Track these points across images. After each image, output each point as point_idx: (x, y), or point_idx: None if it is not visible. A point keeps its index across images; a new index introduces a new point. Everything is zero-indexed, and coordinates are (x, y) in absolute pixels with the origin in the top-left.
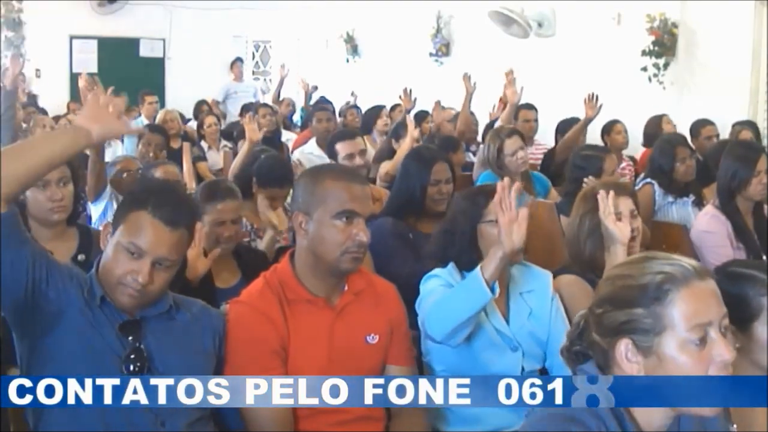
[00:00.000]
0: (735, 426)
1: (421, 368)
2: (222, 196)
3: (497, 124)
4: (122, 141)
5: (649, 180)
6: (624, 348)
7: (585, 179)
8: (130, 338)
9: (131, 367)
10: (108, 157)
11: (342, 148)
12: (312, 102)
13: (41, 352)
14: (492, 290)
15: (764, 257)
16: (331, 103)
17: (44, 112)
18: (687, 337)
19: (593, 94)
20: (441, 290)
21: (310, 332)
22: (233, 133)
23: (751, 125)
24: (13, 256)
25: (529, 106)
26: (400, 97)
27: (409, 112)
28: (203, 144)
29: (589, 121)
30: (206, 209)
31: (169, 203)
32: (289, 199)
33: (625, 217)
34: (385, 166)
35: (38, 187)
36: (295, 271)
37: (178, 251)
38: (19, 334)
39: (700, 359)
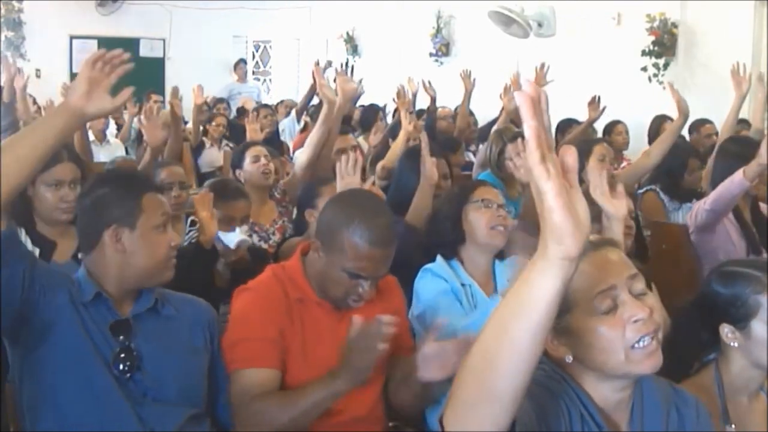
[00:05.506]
0: (733, 426)
1: None
2: (232, 195)
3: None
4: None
5: (652, 186)
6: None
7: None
8: (121, 338)
9: (120, 367)
10: (106, 157)
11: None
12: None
13: (33, 360)
14: None
15: (764, 253)
16: None
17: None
18: (595, 306)
19: (596, 96)
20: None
21: (315, 331)
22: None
23: (748, 124)
24: (9, 273)
25: None
26: (393, 99)
27: (412, 113)
28: (205, 140)
29: (591, 122)
30: (215, 205)
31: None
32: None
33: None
34: (381, 163)
35: (51, 186)
36: (305, 272)
37: None
38: (12, 344)
39: (615, 324)
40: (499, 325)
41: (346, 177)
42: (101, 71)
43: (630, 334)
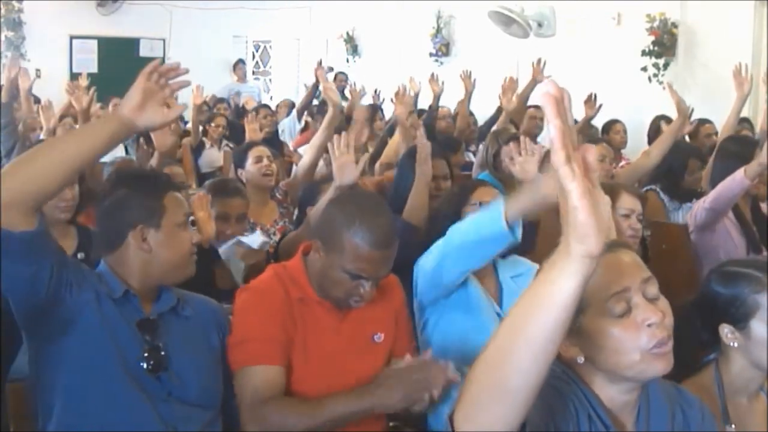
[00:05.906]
0: (733, 426)
1: None
2: (229, 192)
3: (493, 129)
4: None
5: (652, 186)
6: None
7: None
8: (147, 337)
9: (145, 365)
10: (106, 157)
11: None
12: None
13: (52, 354)
14: (514, 232)
15: (765, 251)
16: None
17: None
18: (608, 308)
19: (592, 94)
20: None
21: (316, 330)
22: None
23: (748, 123)
24: (36, 269)
25: (537, 106)
26: (391, 100)
27: (413, 112)
28: (205, 141)
29: (588, 120)
30: (212, 203)
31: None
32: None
33: (633, 215)
34: (379, 160)
35: None
36: (306, 272)
37: None
38: (30, 337)
39: (628, 327)
40: (516, 321)
41: (341, 156)
42: (156, 83)
43: (647, 339)
